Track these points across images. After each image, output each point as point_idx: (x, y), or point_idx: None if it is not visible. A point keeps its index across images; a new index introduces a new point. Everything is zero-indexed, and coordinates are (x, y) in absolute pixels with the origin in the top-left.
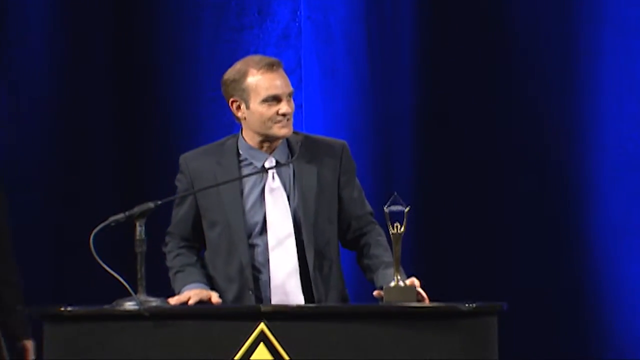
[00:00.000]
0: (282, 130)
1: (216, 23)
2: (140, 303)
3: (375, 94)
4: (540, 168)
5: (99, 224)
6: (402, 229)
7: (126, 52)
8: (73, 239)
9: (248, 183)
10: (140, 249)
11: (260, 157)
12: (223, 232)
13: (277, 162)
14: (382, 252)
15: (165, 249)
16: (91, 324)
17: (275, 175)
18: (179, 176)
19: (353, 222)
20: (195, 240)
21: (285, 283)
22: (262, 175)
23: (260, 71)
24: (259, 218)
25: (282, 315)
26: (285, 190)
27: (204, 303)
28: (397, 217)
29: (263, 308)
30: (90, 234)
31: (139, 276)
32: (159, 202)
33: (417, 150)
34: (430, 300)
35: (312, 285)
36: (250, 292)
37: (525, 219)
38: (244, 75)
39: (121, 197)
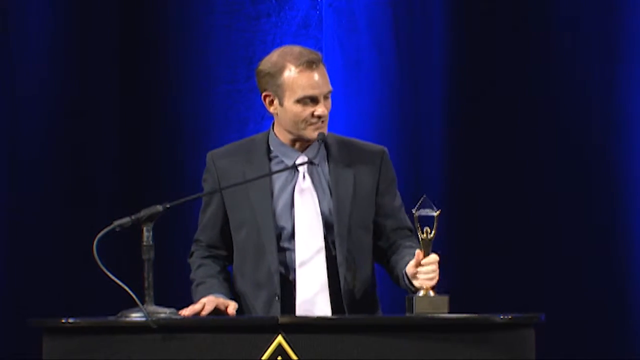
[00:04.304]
0: (316, 133)
1: (230, 10)
2: (147, 314)
3: (403, 87)
4: (582, 168)
5: (103, 228)
6: (433, 234)
7: (133, 41)
8: (75, 244)
9: (277, 183)
10: (148, 255)
11: (291, 154)
12: (251, 234)
13: (310, 160)
14: (409, 247)
15: (190, 260)
16: (94, 337)
17: (307, 175)
18: (205, 175)
19: (391, 235)
20: (223, 248)
21: (310, 292)
22: (293, 175)
23: (299, 68)
24: (289, 220)
25: (302, 328)
26: (317, 191)
27: (219, 314)
28: (426, 221)
29: (281, 320)
30: (94, 238)
31: (146, 285)
32: (168, 205)
33: (449, 149)
34: (462, 311)
35: (342, 295)
36: (277, 298)
37: (565, 221)
38: (280, 70)
39: (127, 200)
